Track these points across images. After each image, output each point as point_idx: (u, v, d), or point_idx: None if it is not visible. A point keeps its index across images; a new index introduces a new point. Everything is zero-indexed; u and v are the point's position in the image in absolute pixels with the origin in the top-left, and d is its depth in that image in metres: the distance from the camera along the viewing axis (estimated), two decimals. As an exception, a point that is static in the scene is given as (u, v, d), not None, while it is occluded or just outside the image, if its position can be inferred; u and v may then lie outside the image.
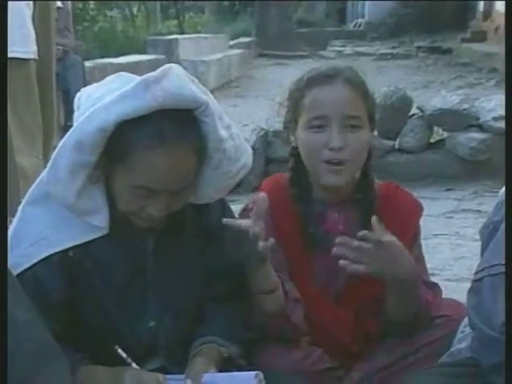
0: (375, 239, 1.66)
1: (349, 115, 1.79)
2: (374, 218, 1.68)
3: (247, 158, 1.70)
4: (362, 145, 1.82)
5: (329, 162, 1.79)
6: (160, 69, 1.53)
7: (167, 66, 1.54)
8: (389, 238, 1.69)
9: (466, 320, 1.69)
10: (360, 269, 1.67)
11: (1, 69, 1.60)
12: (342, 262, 1.66)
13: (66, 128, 5.34)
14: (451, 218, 4.17)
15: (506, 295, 1.37)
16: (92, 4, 11.81)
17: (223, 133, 1.60)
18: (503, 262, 1.43)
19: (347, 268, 1.67)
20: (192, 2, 16.95)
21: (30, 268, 1.57)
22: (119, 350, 1.60)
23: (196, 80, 1.59)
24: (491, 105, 4.90)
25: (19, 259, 1.56)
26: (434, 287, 1.94)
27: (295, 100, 1.85)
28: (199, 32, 14.11)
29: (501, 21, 14.84)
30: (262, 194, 1.69)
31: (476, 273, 1.51)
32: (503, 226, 1.49)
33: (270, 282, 1.74)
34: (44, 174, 1.58)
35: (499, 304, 1.41)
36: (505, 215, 1.44)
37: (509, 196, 1.42)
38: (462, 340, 1.73)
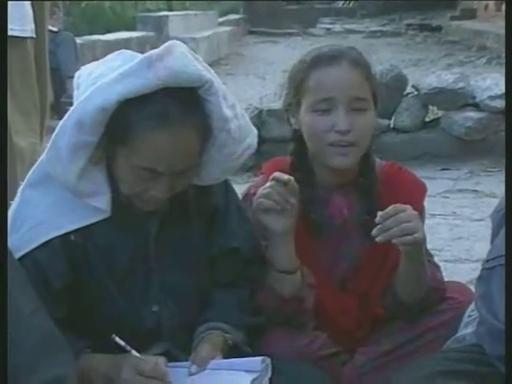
0: (390, 209, 1.64)
1: (356, 97, 1.75)
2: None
3: (252, 138, 1.66)
4: (368, 127, 1.79)
5: (335, 145, 1.75)
6: (163, 46, 1.49)
7: (170, 43, 1.51)
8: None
9: (473, 304, 1.66)
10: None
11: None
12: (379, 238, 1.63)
13: (55, 106, 5.26)
14: (447, 197, 4.15)
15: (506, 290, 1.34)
16: (79, -21, 11.63)
17: (228, 112, 1.56)
18: None
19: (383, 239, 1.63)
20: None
21: (29, 252, 1.53)
22: (116, 339, 1.56)
23: (200, 58, 1.55)
24: (487, 83, 4.87)
25: (19, 243, 1.53)
26: (438, 268, 1.91)
27: (298, 82, 1.80)
28: (187, 9, 13.95)
29: (490, -2, 14.81)
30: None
31: (487, 260, 1.48)
32: None
33: (292, 261, 1.73)
34: (44, 155, 1.55)
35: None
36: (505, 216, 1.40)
37: (509, 196, 1.39)
38: (469, 324, 1.70)
